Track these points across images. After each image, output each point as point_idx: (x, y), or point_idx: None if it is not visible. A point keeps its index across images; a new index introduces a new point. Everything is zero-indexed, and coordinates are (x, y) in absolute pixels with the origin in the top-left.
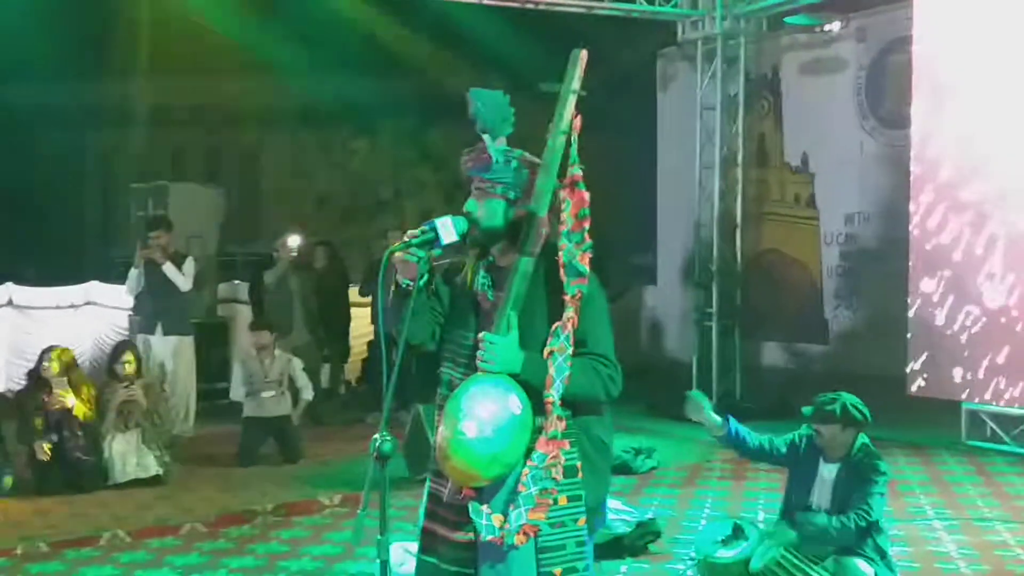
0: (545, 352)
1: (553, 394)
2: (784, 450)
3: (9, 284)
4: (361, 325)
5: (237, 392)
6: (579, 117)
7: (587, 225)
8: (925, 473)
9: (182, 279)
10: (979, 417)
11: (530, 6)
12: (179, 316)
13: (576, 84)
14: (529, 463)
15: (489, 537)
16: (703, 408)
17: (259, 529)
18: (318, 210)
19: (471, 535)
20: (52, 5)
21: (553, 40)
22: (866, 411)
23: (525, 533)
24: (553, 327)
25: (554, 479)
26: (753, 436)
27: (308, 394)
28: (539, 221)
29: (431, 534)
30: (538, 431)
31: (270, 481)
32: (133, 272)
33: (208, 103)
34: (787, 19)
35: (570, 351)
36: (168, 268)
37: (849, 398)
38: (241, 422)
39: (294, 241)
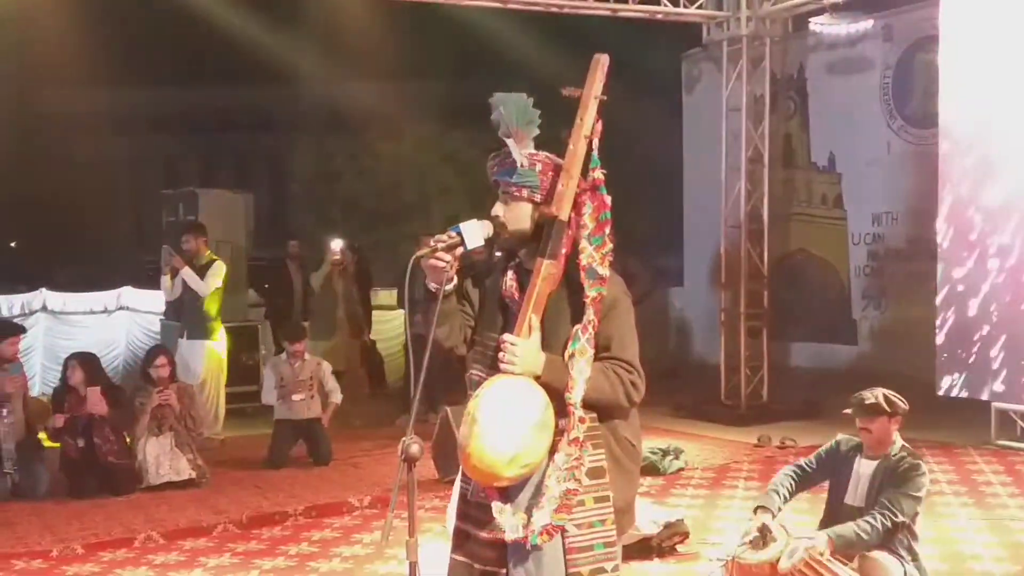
0: (566, 355)
1: (574, 396)
2: (816, 465)
3: (43, 290)
4: (386, 329)
5: (268, 396)
6: (600, 122)
7: (608, 228)
8: (954, 473)
9: (200, 284)
10: (1009, 416)
11: (554, 10)
12: (200, 320)
13: (598, 89)
14: (552, 464)
15: (513, 537)
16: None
17: (290, 530)
18: (345, 215)
19: (500, 535)
20: (84, 14)
21: (578, 43)
22: (901, 398)
23: (548, 533)
24: (574, 330)
25: (577, 480)
26: (783, 482)
27: (336, 397)
28: (561, 224)
29: (463, 533)
30: (560, 432)
31: (300, 483)
32: (164, 278)
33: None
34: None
35: (591, 353)
36: (186, 272)
37: (884, 390)
38: (272, 425)
39: (338, 245)
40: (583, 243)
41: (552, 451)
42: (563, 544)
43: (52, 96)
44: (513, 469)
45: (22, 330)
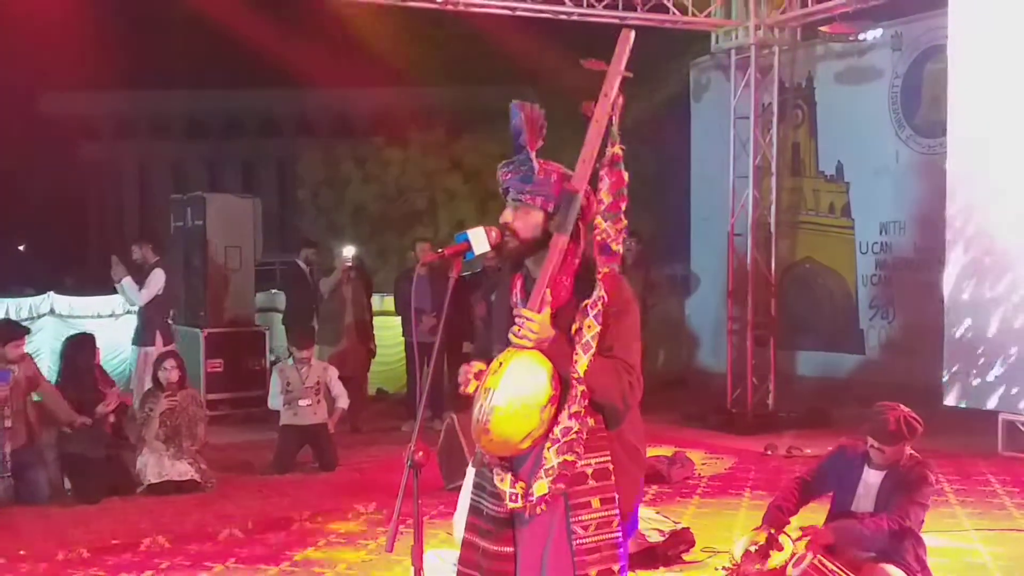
0: (573, 328)
1: (578, 369)
2: (819, 475)
3: (51, 293)
4: (388, 336)
5: (275, 401)
6: (622, 97)
7: (624, 204)
8: (961, 483)
9: (135, 294)
10: (1016, 427)
11: (563, 17)
12: (140, 327)
13: (623, 64)
14: (551, 436)
15: (512, 505)
16: None
17: (295, 536)
18: (352, 220)
19: (509, 548)
20: (93, 20)
21: (586, 51)
22: (918, 419)
23: (546, 502)
24: (583, 304)
25: (575, 452)
26: (787, 498)
27: (343, 403)
28: (576, 199)
29: (471, 545)
30: (562, 405)
31: (306, 488)
32: (117, 286)
33: (244, 115)
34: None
35: (597, 329)
36: (126, 282)
37: (903, 410)
38: (278, 430)
39: (350, 252)
40: (599, 219)
41: (553, 423)
42: (571, 546)
43: (61, 100)
44: (527, 442)
45: (26, 331)
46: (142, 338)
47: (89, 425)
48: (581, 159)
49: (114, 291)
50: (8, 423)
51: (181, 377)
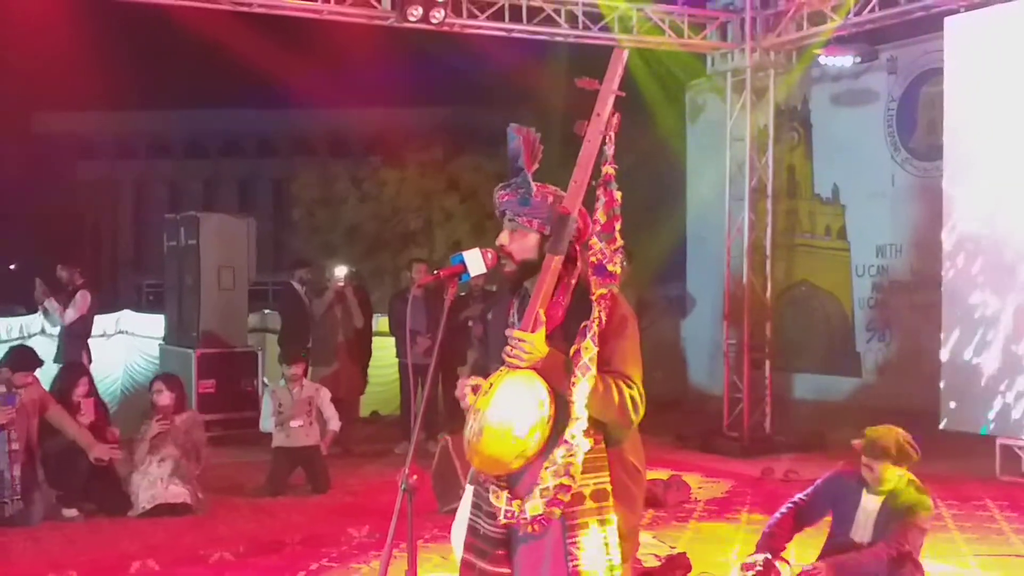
0: (571, 350)
1: (576, 393)
2: (814, 499)
3: (41, 312)
4: (381, 356)
5: (267, 423)
6: (617, 115)
7: (618, 224)
8: (959, 508)
9: (61, 315)
10: (1013, 452)
11: (559, 39)
12: (65, 348)
13: (616, 83)
14: (549, 459)
15: (506, 521)
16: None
17: (287, 560)
18: (348, 240)
19: (506, 570)
20: (91, 39)
21: (583, 72)
22: (916, 447)
23: (540, 524)
24: (581, 326)
25: (571, 476)
26: (782, 523)
27: (335, 425)
28: (570, 220)
29: (469, 566)
30: (559, 427)
31: (298, 511)
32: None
33: (241, 135)
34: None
35: (595, 351)
36: (49, 303)
37: (901, 434)
38: (270, 452)
39: (341, 272)
40: (594, 239)
41: (551, 444)
42: (568, 567)
43: (57, 120)
44: (518, 462)
45: (38, 365)
46: (66, 357)
47: (105, 462)
48: (573, 180)
49: (106, 311)
50: (15, 446)
51: (177, 398)
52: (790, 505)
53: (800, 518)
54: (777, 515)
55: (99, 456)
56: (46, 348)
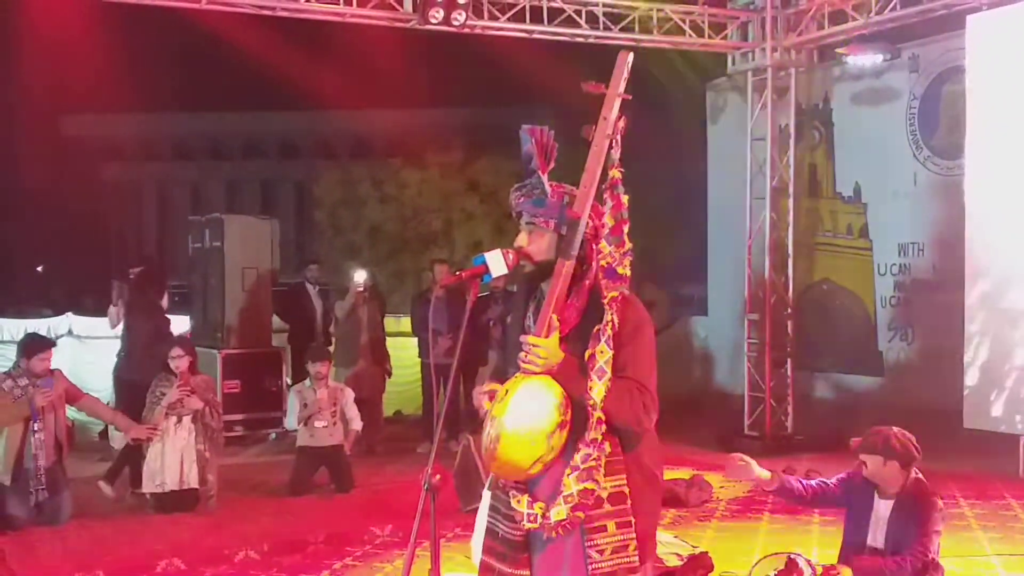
0: (586, 354)
1: (594, 396)
2: (837, 489)
3: (69, 314)
4: (405, 356)
5: (293, 421)
6: (624, 119)
7: (626, 227)
8: (981, 507)
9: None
10: None
11: (580, 40)
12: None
13: (621, 87)
14: (572, 464)
15: (529, 525)
16: (749, 466)
17: (311, 559)
18: (369, 241)
19: (525, 572)
20: (115, 43)
21: (604, 73)
22: (912, 445)
23: (565, 528)
24: (594, 330)
25: (595, 480)
26: (805, 483)
27: (357, 425)
28: (578, 224)
29: (488, 568)
30: (575, 431)
31: (322, 511)
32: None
33: (264, 137)
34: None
35: (610, 355)
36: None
37: (897, 431)
38: (294, 451)
39: (361, 276)
40: (603, 243)
41: (570, 449)
42: (587, 570)
43: (83, 122)
44: (536, 467)
45: (52, 344)
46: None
47: (143, 441)
48: (582, 184)
49: None
50: (43, 436)
51: (191, 364)
52: (821, 481)
53: (823, 495)
54: (801, 486)
55: (137, 436)
56: (74, 350)
